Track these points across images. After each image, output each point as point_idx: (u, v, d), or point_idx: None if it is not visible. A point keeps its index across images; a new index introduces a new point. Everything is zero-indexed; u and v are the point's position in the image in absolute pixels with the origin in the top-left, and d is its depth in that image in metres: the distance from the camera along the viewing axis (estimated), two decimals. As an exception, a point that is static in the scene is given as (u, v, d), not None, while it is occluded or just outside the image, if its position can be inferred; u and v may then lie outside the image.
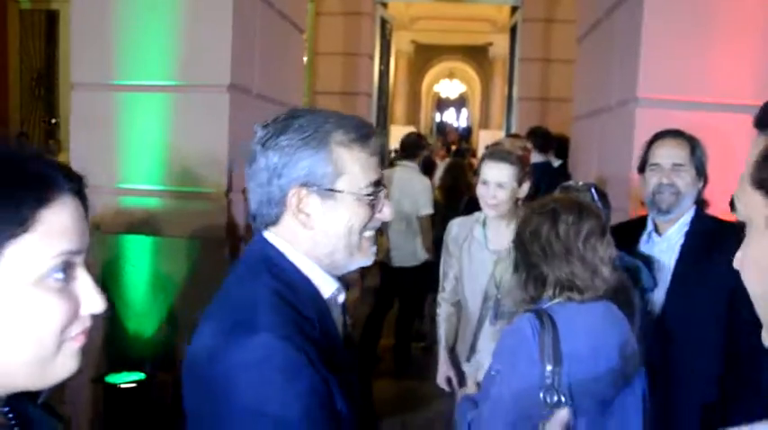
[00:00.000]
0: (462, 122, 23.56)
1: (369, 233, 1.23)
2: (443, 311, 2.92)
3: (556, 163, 4.56)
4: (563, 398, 1.58)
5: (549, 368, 1.59)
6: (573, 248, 1.66)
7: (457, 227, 2.85)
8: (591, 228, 1.67)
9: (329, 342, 1.14)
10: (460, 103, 23.39)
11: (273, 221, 1.20)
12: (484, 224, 2.77)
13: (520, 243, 1.75)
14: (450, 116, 24.06)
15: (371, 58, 7.63)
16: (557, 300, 1.68)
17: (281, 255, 1.19)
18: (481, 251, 2.74)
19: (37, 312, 0.76)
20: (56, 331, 0.77)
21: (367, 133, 1.20)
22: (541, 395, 1.58)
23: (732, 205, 2.03)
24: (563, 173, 4.30)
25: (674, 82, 2.83)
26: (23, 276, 0.75)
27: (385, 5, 7.87)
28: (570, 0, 7.49)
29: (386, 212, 1.24)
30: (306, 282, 1.19)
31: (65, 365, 0.80)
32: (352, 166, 1.17)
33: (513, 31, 8.15)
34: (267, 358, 1.02)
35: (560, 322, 1.62)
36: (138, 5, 2.81)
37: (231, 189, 2.88)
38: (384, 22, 7.81)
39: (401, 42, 14.55)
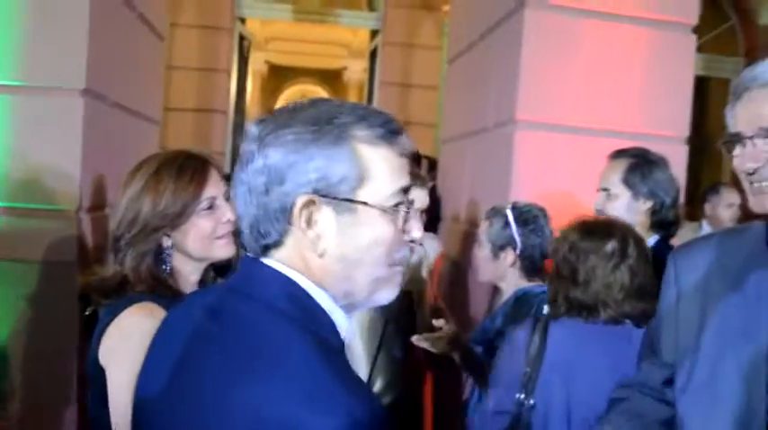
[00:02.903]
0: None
1: (399, 261, 0.95)
2: None
3: (428, 185, 4.53)
4: (532, 401, 1.69)
5: (527, 370, 1.72)
6: (579, 270, 1.70)
7: None
8: (591, 251, 1.70)
9: None
10: (313, 126, 23.31)
11: (274, 244, 0.92)
12: None
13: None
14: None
15: (229, 74, 7.34)
16: (565, 316, 1.75)
17: (300, 288, 0.91)
18: None
19: None
20: None
21: (396, 128, 0.93)
22: (519, 394, 1.72)
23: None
24: (434, 195, 4.28)
25: (553, 105, 2.86)
26: None
27: (243, 21, 7.62)
28: (431, 26, 7.66)
29: (415, 231, 0.97)
30: (332, 325, 0.92)
31: None
32: (379, 170, 0.91)
33: (372, 54, 8.18)
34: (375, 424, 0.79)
35: (554, 333, 1.73)
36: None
37: (83, 206, 2.54)
38: (242, 39, 7.55)
39: (255, 62, 14.25)
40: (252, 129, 0.94)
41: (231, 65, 7.37)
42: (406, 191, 0.94)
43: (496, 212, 2.24)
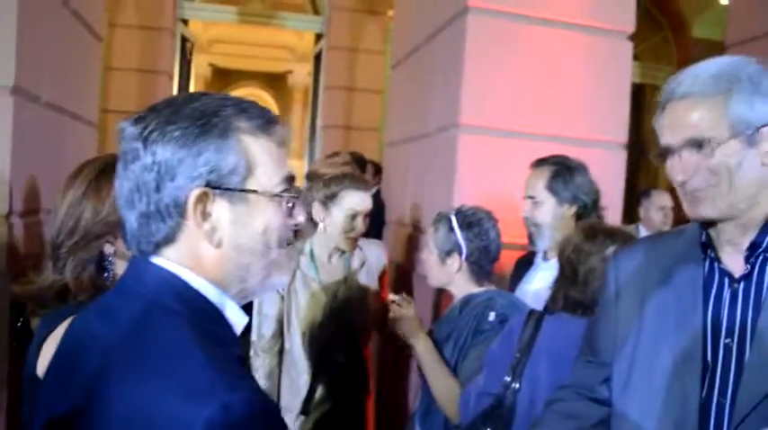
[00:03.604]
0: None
1: (285, 245, 1.01)
2: (264, 365, 2.54)
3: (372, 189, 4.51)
4: (517, 385, 1.82)
5: (516, 355, 1.83)
6: (579, 271, 1.78)
7: None
8: (592, 253, 1.78)
9: None
10: (258, 130, 23.11)
11: (165, 241, 0.93)
12: (311, 256, 2.59)
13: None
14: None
15: (171, 76, 7.20)
16: (561, 311, 1.84)
17: (188, 286, 0.92)
18: (314, 286, 2.55)
19: None
20: None
21: (273, 118, 0.98)
22: (507, 377, 1.84)
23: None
24: (379, 199, 4.28)
25: (496, 110, 2.89)
26: None
27: (186, 23, 7.49)
28: (375, 30, 7.68)
29: (299, 216, 1.02)
30: (223, 320, 0.95)
31: None
32: (263, 160, 0.95)
33: (317, 58, 8.15)
34: (254, 417, 0.81)
35: (546, 325, 1.83)
36: None
37: (12, 211, 2.43)
38: (185, 40, 7.42)
39: (199, 65, 14.03)
40: (128, 128, 0.93)
41: (173, 67, 7.23)
42: (288, 179, 0.99)
43: (441, 218, 2.23)
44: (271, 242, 0.97)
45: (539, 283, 2.33)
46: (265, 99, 20.57)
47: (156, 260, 0.94)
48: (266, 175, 0.95)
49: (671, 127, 1.27)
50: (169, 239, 0.93)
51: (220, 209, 0.92)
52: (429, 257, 2.26)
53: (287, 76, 17.79)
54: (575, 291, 1.80)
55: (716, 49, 5.16)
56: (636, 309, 1.37)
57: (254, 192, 0.94)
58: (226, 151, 0.91)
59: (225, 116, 0.92)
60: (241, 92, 20.38)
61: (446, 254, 2.19)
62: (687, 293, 1.30)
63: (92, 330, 0.94)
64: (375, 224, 4.15)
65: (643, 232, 4.40)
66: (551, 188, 2.28)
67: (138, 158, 0.91)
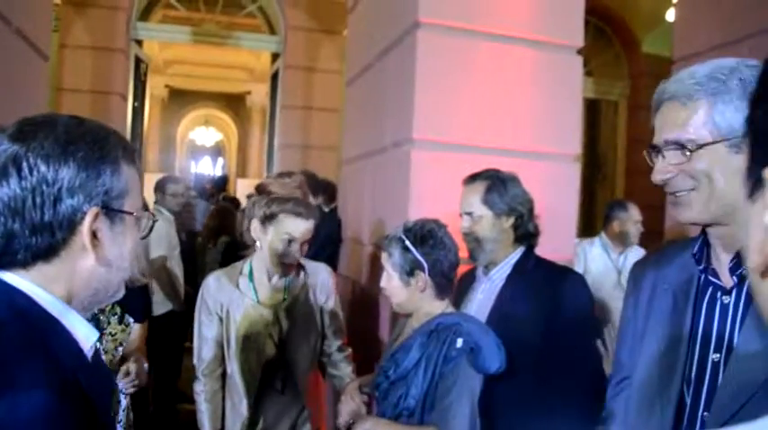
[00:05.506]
0: (218, 171, 23.07)
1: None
2: (205, 390, 2.47)
3: (327, 208, 4.50)
4: None
5: None
6: None
7: (216, 281, 2.48)
8: None
9: (103, 410, 0.96)
10: (216, 151, 22.93)
11: (45, 254, 0.96)
12: (251, 276, 2.53)
13: None
14: (205, 164, 23.45)
15: (125, 98, 7.09)
16: None
17: (29, 299, 0.94)
18: (252, 308, 2.46)
19: None
20: None
21: (134, 149, 1.10)
22: None
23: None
24: (335, 217, 4.26)
25: (449, 125, 2.89)
26: None
27: (140, 43, 7.40)
28: (331, 50, 7.68)
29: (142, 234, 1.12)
30: (62, 335, 0.95)
31: None
32: (133, 186, 1.06)
33: (274, 78, 8.12)
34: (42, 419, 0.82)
35: None
36: None
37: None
38: (139, 61, 7.33)
39: (154, 86, 13.87)
40: (5, 142, 0.95)
41: (127, 88, 7.13)
42: (144, 206, 1.13)
43: (392, 240, 2.12)
44: (130, 260, 1.06)
45: (482, 296, 2.34)
46: (224, 120, 20.43)
47: (3, 274, 0.95)
48: (135, 200, 1.05)
49: (659, 127, 1.25)
50: (50, 253, 0.96)
51: (104, 228, 1.00)
52: (390, 283, 2.13)
53: (245, 96, 17.71)
54: None
55: (665, 63, 5.28)
56: (643, 320, 1.37)
57: (131, 214, 1.04)
58: (116, 176, 1.00)
59: (113, 142, 1.02)
60: (199, 113, 20.21)
61: (408, 274, 2.08)
62: (680, 305, 1.28)
63: None
64: (332, 242, 4.13)
65: (606, 242, 4.40)
66: (487, 202, 2.30)
67: (35, 171, 0.93)
